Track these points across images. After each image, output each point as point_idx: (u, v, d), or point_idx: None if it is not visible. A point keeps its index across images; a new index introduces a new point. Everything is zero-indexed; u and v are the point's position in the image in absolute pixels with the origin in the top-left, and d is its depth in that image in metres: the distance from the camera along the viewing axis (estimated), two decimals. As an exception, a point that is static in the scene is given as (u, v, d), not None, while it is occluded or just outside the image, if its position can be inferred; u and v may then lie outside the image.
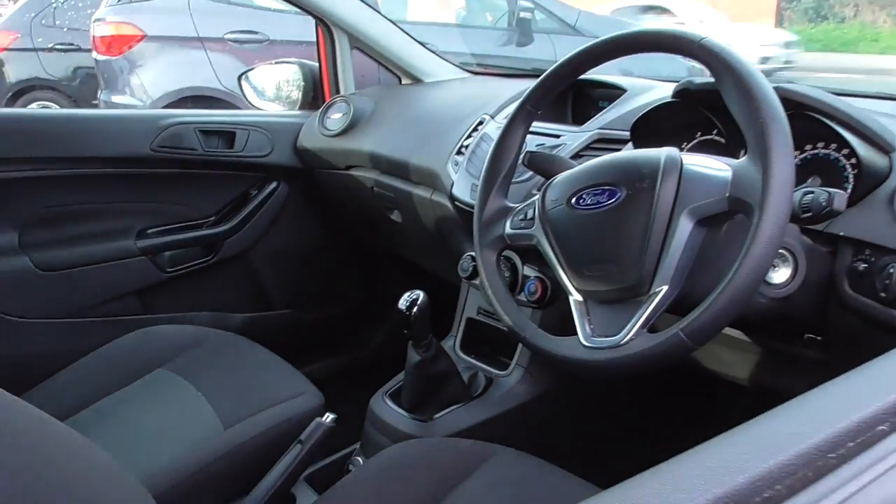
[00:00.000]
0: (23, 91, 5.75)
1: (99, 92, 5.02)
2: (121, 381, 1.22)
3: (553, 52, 4.39)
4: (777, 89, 0.75)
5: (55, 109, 5.20)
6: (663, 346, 0.73)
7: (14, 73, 5.74)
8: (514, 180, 1.02)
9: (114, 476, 0.67)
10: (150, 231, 1.63)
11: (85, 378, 1.25)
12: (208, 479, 1.04)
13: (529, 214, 0.92)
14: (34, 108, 5.68)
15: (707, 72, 0.81)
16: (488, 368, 1.25)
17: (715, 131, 1.03)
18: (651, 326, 0.77)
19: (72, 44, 5.73)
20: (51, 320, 1.50)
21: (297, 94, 1.88)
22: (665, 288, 0.76)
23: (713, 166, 0.77)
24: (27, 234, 1.48)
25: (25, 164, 1.45)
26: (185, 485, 1.01)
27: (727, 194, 0.73)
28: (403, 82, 1.85)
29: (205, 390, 1.17)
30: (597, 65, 0.92)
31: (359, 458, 1.19)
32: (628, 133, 1.09)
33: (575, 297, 0.86)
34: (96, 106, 5.17)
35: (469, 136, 1.34)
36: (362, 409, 1.24)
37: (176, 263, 1.66)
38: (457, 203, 1.26)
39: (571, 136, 1.19)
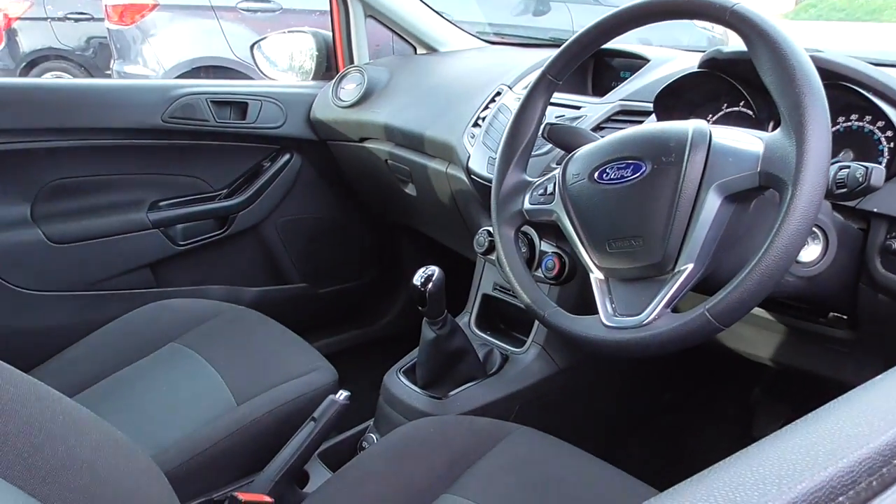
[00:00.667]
0: (36, 61, 5.74)
1: (112, 62, 5.00)
2: (133, 355, 1.21)
3: (570, 21, 4.30)
4: (812, 58, 0.71)
5: (66, 80, 5.18)
6: (688, 326, 0.70)
7: (27, 43, 5.73)
8: (532, 154, 0.99)
9: (125, 453, 0.66)
10: (162, 203, 1.61)
11: (97, 352, 1.25)
12: (221, 455, 1.03)
13: (549, 189, 0.89)
14: (47, 79, 5.68)
15: (730, 41, 0.78)
16: (504, 345, 1.23)
17: (742, 103, 0.99)
18: (675, 306, 0.74)
19: (84, 13, 5.70)
20: (62, 293, 1.50)
21: (310, 65, 1.85)
22: (690, 266, 0.73)
23: (743, 140, 0.73)
24: (39, 206, 1.47)
25: (37, 135, 1.44)
26: (197, 461, 1.01)
27: (758, 169, 0.70)
28: (419, 52, 1.81)
29: (218, 365, 1.16)
30: (623, 32, 0.88)
31: (372, 436, 1.18)
32: (651, 105, 1.05)
33: (596, 274, 0.83)
34: (109, 76, 5.16)
35: (486, 107, 1.31)
36: (375, 384, 1.23)
37: (188, 236, 1.65)
38: (473, 177, 1.23)
39: (592, 108, 1.16)
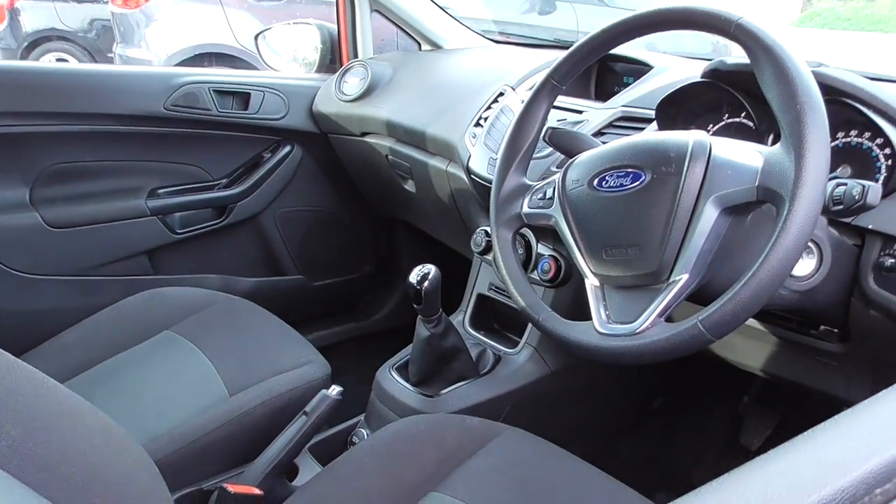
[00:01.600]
0: (38, 42, 5.71)
1: (115, 45, 4.98)
2: (127, 342, 1.21)
3: (576, 21, 4.30)
4: (814, 74, 0.72)
5: (69, 65, 5.16)
6: (681, 336, 0.71)
7: (30, 23, 5.70)
8: (532, 157, 0.99)
9: (117, 442, 0.66)
10: (161, 191, 1.61)
11: (91, 337, 1.25)
12: (212, 445, 1.04)
13: (548, 194, 0.90)
14: (49, 61, 5.66)
15: (733, 50, 0.78)
16: (497, 345, 1.24)
17: (743, 114, 0.99)
18: (668, 315, 0.75)
19: (88, -5, 5.68)
20: (59, 277, 1.50)
21: (314, 57, 1.85)
22: (685, 276, 0.74)
23: (743, 153, 0.74)
24: (38, 189, 1.47)
25: (38, 119, 1.44)
26: (188, 450, 1.01)
27: (756, 183, 0.70)
28: (423, 48, 1.81)
29: (211, 355, 1.16)
30: (629, 39, 0.88)
31: (363, 431, 1.19)
32: (653, 112, 1.06)
33: (591, 281, 0.84)
34: (111, 59, 5.14)
35: (488, 107, 1.31)
36: (368, 377, 1.24)
37: (186, 225, 1.65)
38: (473, 177, 1.23)
39: (594, 113, 1.16)
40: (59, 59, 5.73)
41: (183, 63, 4.60)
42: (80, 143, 1.50)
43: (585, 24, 4.03)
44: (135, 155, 1.57)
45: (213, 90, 1.60)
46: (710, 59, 1.21)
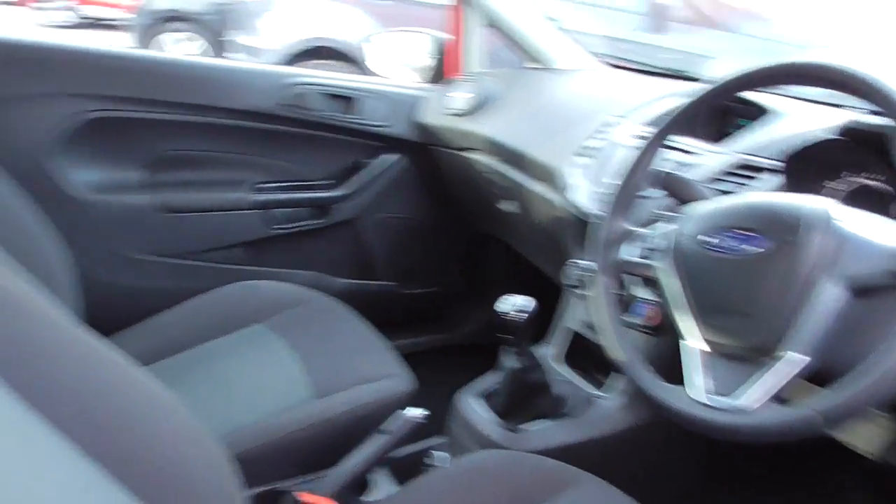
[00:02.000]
0: (164, 20, 6.00)
1: (231, 31, 5.16)
2: (217, 331, 1.24)
3: (687, 43, 4.15)
4: None
5: (189, 56, 5.36)
6: (794, 422, 0.66)
7: (159, 2, 6.00)
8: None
9: (195, 435, 0.66)
10: (264, 186, 1.65)
11: (183, 322, 1.28)
12: (291, 446, 1.04)
13: (655, 243, 0.86)
14: (174, 40, 5.93)
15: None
16: (586, 386, 1.18)
17: (880, 176, 0.92)
18: (779, 395, 0.70)
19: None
20: (162, 259, 1.56)
21: (421, 66, 1.85)
22: (801, 355, 0.69)
23: (880, 231, 0.68)
24: (150, 174, 1.53)
25: (156, 107, 1.50)
26: (269, 447, 1.02)
27: (893, 268, 0.65)
28: (532, 65, 1.78)
29: (301, 354, 1.17)
30: (751, 90, 0.84)
31: (440, 453, 1.17)
32: (773, 161, 0.99)
33: (694, 344, 0.79)
34: (228, 43, 5.33)
35: (595, 137, 1.27)
36: (448, 392, 1.22)
37: (286, 221, 1.69)
38: (574, 208, 1.20)
39: (708, 157, 1.10)
40: (189, 40, 5.98)
41: (294, 57, 4.71)
42: (193, 133, 1.56)
43: (697, 46, 3.89)
44: (242, 149, 1.62)
45: (322, 93, 1.63)
46: (828, 104, 1.13)
